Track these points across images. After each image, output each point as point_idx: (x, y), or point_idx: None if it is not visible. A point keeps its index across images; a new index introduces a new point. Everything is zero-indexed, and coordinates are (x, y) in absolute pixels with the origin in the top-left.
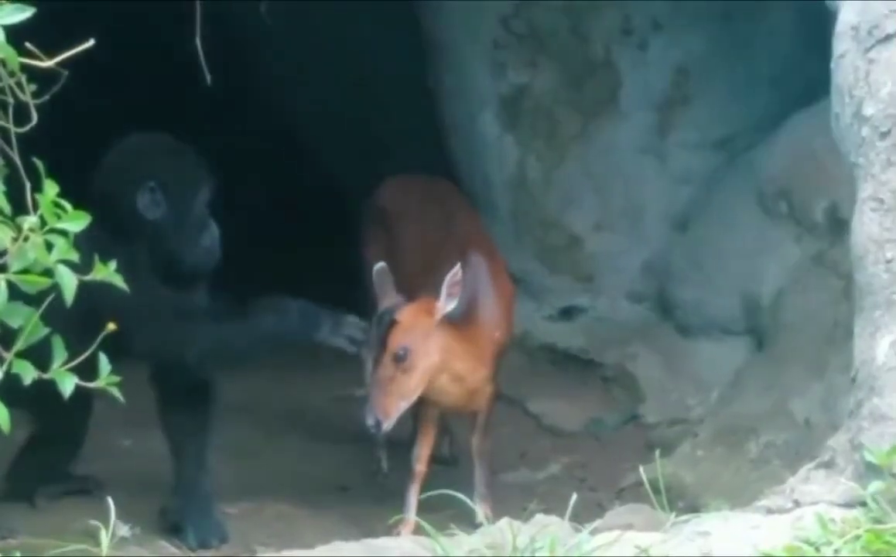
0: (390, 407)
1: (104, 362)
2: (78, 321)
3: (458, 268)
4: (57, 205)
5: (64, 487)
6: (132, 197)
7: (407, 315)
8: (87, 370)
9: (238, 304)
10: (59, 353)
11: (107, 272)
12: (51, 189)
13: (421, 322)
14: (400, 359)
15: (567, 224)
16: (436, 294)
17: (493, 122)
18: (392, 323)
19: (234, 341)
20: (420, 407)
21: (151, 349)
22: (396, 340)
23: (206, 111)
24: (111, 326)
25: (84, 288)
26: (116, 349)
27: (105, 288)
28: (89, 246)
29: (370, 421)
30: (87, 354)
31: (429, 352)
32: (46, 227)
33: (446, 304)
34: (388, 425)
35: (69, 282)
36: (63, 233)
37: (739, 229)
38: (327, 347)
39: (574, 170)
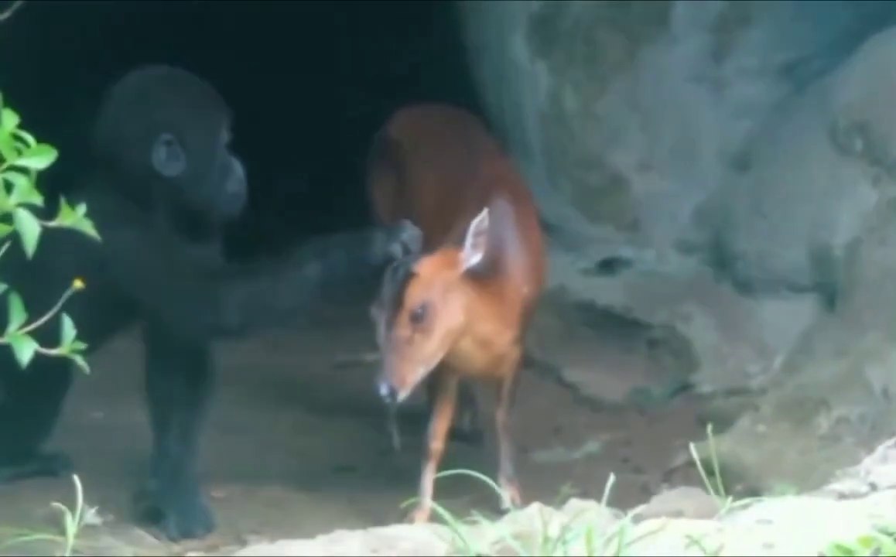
0: (407, 374)
1: (67, 326)
2: (96, 298)
3: (484, 214)
4: (17, 137)
5: (26, 467)
6: (145, 153)
7: (426, 268)
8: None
9: (274, 257)
10: (18, 315)
11: (75, 218)
12: (9, 119)
13: (442, 276)
14: (418, 319)
15: (609, 163)
16: (457, 244)
17: (523, 45)
18: (409, 277)
19: (279, 297)
20: (437, 374)
21: (187, 322)
22: (415, 296)
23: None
24: (78, 283)
25: (100, 260)
26: (121, 321)
27: (125, 258)
28: (99, 217)
29: (384, 390)
30: (48, 317)
31: (451, 311)
32: (5, 165)
33: (471, 256)
34: (404, 394)
35: (31, 229)
36: (24, 170)
37: (808, 169)
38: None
39: (617, 102)
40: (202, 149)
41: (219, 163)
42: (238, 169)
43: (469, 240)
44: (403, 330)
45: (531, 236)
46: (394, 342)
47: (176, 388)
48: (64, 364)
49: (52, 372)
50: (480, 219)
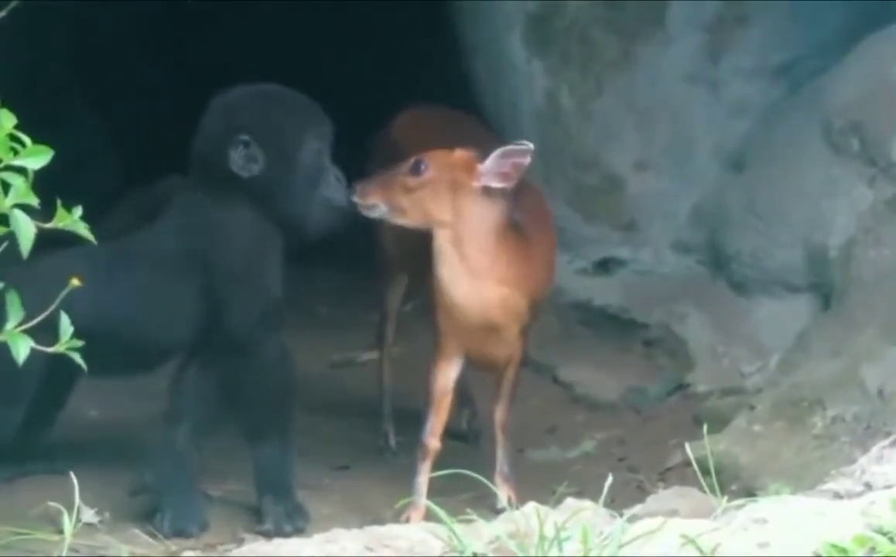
0: (374, 193)
1: (65, 323)
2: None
3: (529, 146)
4: (14, 138)
5: (26, 466)
6: (224, 153)
7: (453, 156)
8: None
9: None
10: (15, 313)
11: (70, 220)
12: (6, 120)
13: (457, 173)
14: (415, 171)
15: (605, 163)
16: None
17: (519, 45)
18: (444, 152)
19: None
20: (434, 371)
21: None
22: (430, 156)
23: None
24: (75, 282)
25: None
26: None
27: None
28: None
29: (352, 185)
30: (45, 314)
31: (446, 201)
32: (1, 165)
33: (490, 175)
34: (357, 201)
35: (27, 230)
36: (21, 171)
37: (803, 169)
38: None
39: (613, 102)
40: (282, 151)
41: (306, 168)
42: (333, 180)
43: (494, 160)
44: (400, 170)
45: (544, 236)
46: (388, 172)
47: (206, 386)
48: (67, 362)
49: (57, 370)
50: (521, 147)
